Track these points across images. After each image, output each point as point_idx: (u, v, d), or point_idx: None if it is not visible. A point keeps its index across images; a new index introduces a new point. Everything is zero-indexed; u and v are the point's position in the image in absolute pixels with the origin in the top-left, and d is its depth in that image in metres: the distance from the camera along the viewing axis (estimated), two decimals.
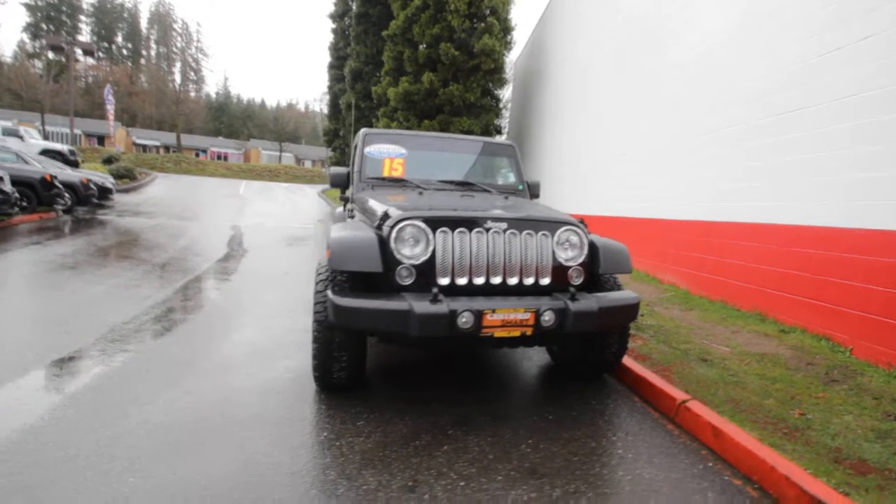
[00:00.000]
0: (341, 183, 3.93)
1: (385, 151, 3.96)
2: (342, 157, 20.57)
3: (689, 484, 2.16)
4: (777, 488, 2.07)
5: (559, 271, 2.81)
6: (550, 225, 2.85)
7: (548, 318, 2.56)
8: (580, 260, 2.86)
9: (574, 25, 11.30)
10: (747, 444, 2.29)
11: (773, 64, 4.75)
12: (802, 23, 4.43)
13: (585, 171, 9.65)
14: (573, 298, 2.65)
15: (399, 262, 2.58)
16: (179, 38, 50.76)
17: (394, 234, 2.60)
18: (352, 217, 3.67)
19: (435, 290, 2.47)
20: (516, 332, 2.55)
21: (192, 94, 52.88)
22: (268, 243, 9.58)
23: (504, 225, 2.74)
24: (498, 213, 2.83)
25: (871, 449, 2.41)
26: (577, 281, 2.86)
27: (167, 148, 48.16)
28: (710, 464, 2.34)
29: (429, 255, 2.60)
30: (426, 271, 2.60)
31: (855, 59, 3.85)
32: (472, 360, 3.62)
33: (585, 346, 3.20)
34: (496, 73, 14.42)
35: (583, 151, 9.93)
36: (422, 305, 2.37)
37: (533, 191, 4.33)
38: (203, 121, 58.20)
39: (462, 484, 2.03)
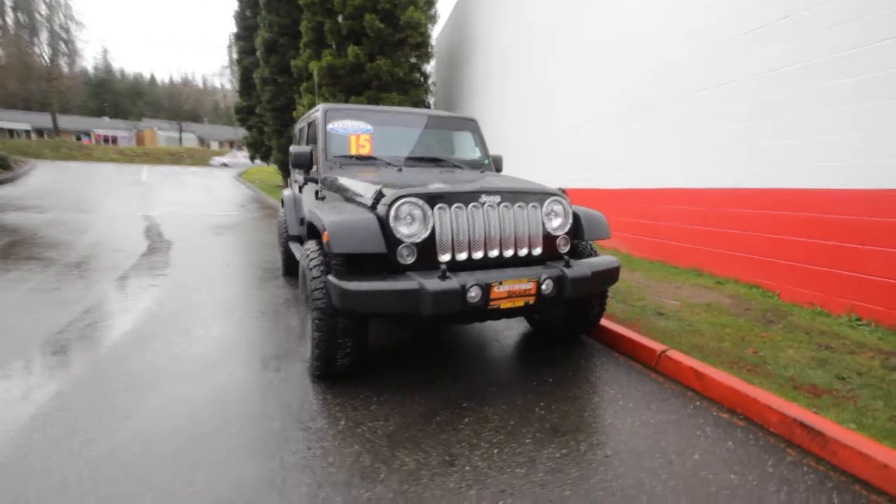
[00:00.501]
0: (304, 163, 3.69)
1: (350, 128, 3.78)
2: (259, 136, 19.17)
3: (688, 422, 2.41)
4: (761, 416, 2.38)
5: (549, 241, 2.92)
6: (539, 196, 2.93)
7: (547, 286, 2.66)
8: (566, 229, 2.99)
9: (502, 1, 11.37)
10: (728, 382, 2.59)
11: (701, 42, 5.18)
12: (726, 3, 4.86)
13: (524, 146, 9.92)
14: (567, 265, 2.77)
15: (399, 242, 2.52)
16: (43, 4, 43.39)
17: (392, 213, 2.52)
18: (322, 199, 3.48)
19: (443, 266, 2.46)
20: (520, 303, 2.62)
21: (66, 68, 45.81)
22: (192, 233, 8.78)
23: (498, 198, 2.77)
24: (491, 186, 2.85)
25: (817, 375, 2.84)
26: (565, 249, 2.99)
27: (40, 132, 41.73)
28: (698, 403, 2.62)
29: (429, 232, 2.57)
30: (426, 249, 2.57)
31: (775, 36, 4.32)
32: (454, 336, 3.67)
33: (569, 310, 3.37)
34: (423, 48, 14.17)
35: (521, 128, 10.17)
36: (433, 283, 2.35)
37: (497, 165, 4.39)
38: (82, 99, 50.98)
39: (496, 451, 2.08)
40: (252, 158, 21.43)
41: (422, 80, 14.64)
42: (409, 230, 2.54)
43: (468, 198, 2.70)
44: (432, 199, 2.60)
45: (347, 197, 3.03)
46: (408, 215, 2.55)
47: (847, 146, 3.73)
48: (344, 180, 3.23)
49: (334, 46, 13.68)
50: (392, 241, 2.50)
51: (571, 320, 3.40)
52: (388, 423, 2.31)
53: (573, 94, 7.78)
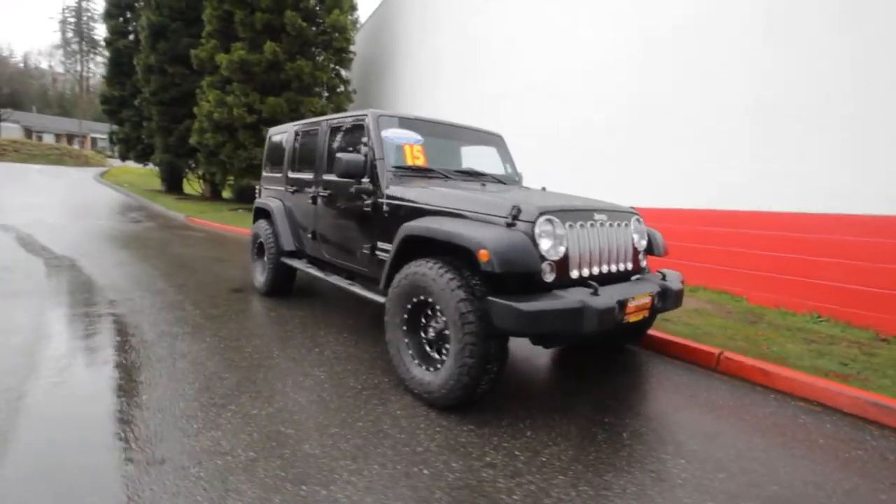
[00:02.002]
0: (357, 173, 3.36)
1: (402, 136, 3.55)
2: (135, 132, 16.37)
3: (784, 412, 2.78)
4: (833, 401, 2.86)
5: (636, 256, 3.12)
6: (627, 215, 3.12)
7: (657, 300, 2.85)
8: (644, 245, 3.23)
9: (432, 15, 11.56)
10: (792, 376, 3.06)
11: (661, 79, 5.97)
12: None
13: None
14: (664, 279, 3.01)
15: (543, 258, 2.48)
16: None
17: (537, 230, 2.48)
18: (387, 213, 3.22)
19: (593, 284, 2.49)
20: (640, 317, 2.76)
21: None
22: (90, 247, 7.23)
23: (605, 216, 2.89)
24: (597, 205, 2.96)
25: (827, 363, 3.47)
26: (643, 264, 3.23)
27: None
28: (773, 396, 3.03)
29: (564, 248, 2.57)
30: (562, 265, 2.58)
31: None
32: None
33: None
34: (345, 53, 13.71)
35: None
36: (595, 300, 2.37)
37: (520, 181, 4.50)
38: None
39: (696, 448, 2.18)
40: (123, 158, 18.21)
41: (342, 85, 14.14)
42: (551, 247, 2.52)
43: (586, 216, 2.77)
44: (564, 216, 2.62)
45: (448, 212, 2.83)
46: (550, 232, 2.53)
47: (799, 175, 4.66)
48: (437, 193, 3.00)
49: (246, 40, 12.49)
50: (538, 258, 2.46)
51: (626, 331, 3.64)
52: (564, 450, 2.24)
53: (516, 107, 8.15)
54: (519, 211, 2.52)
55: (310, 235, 4.29)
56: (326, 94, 13.85)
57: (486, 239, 2.33)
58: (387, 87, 13.86)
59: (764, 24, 4.95)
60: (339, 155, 3.37)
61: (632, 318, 2.67)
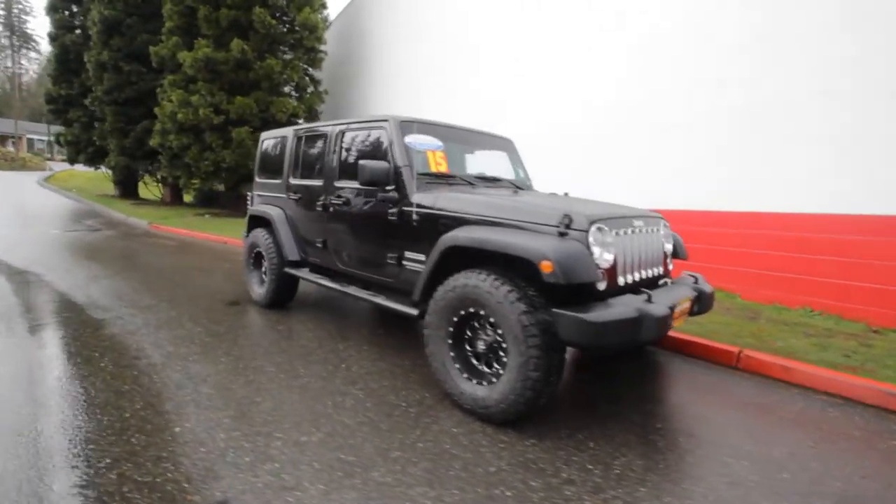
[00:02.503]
0: (382, 180, 3.24)
1: (425, 143, 3.46)
2: (84, 133, 15.19)
3: (812, 406, 2.91)
4: (853, 393, 3.01)
5: (665, 261, 3.18)
6: (657, 220, 3.17)
7: (695, 304, 2.91)
8: (671, 249, 3.29)
9: (406, 19, 11.43)
10: (812, 371, 3.20)
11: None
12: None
13: None
14: (697, 283, 3.08)
15: (597, 267, 2.47)
16: None
17: (590, 239, 2.46)
18: (417, 223, 3.12)
19: (648, 292, 2.51)
20: (682, 321, 2.81)
21: None
22: (50, 258, 6.67)
23: (642, 223, 2.92)
24: (633, 211, 2.98)
25: (832, 357, 3.66)
26: (671, 268, 3.30)
27: None
28: (796, 391, 3.16)
29: (613, 256, 2.58)
30: (612, 273, 2.58)
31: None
32: None
33: None
34: (316, 52, 13.35)
35: None
36: (652, 308, 2.38)
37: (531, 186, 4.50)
38: None
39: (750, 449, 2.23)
40: (72, 161, 16.90)
41: (313, 85, 13.76)
42: (602, 255, 2.51)
43: (628, 223, 2.79)
44: (611, 224, 2.63)
45: (491, 221, 2.76)
46: (601, 240, 2.52)
47: (793, 179, 4.91)
48: (476, 201, 2.92)
49: (211, 37, 11.93)
50: None
51: None
52: (626, 458, 2.24)
53: (502, 112, 8.24)
54: (570, 220, 2.49)
55: (319, 245, 4.11)
56: (296, 94, 13.44)
57: (547, 249, 2.29)
58: (354, 90, 13.56)
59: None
60: (362, 162, 3.23)
61: (675, 324, 2.71)
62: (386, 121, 3.48)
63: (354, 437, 2.33)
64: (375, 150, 3.52)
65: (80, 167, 16.59)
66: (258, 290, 4.80)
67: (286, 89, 12.85)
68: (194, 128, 11.64)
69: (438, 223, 3.01)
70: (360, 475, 2.02)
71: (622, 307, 2.36)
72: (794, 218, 4.87)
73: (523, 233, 2.56)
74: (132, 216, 12.65)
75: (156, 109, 12.04)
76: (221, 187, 13.78)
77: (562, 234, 2.47)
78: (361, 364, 3.30)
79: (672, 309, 2.56)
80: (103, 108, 13.55)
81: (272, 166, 4.86)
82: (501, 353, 2.49)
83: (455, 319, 2.65)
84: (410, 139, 3.40)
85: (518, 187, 3.93)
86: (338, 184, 3.87)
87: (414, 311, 3.10)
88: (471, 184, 3.53)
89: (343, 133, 3.90)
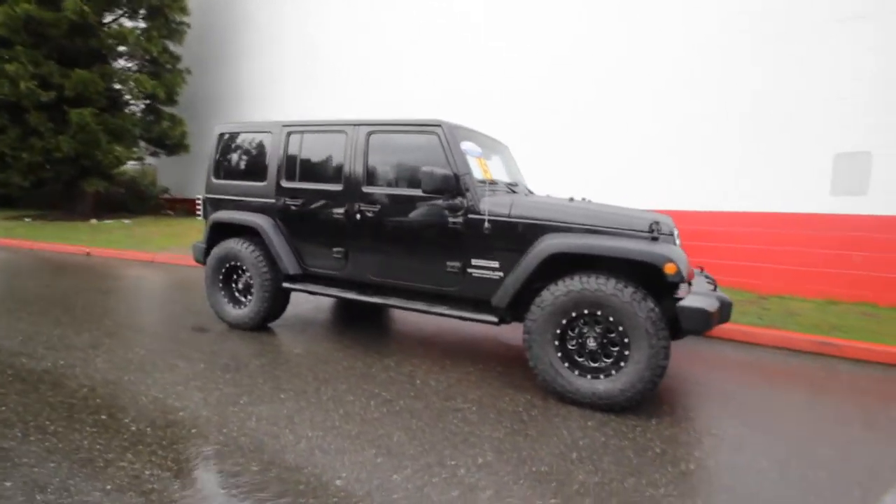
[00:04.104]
0: (448, 188, 3.18)
1: (475, 150, 3.46)
2: None
3: (860, 371, 3.76)
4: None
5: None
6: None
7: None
8: None
9: None
10: (857, 345, 4.08)
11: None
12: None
13: None
14: (715, 288, 3.77)
15: None
16: None
17: (677, 242, 2.90)
18: (488, 230, 3.16)
19: (714, 282, 3.05)
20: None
21: None
22: None
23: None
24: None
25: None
26: None
27: None
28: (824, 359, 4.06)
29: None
30: None
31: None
32: None
33: None
34: (177, 24, 11.37)
35: None
36: (726, 297, 2.94)
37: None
38: None
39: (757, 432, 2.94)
40: None
41: (172, 63, 11.72)
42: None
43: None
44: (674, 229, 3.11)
45: (581, 228, 2.96)
46: (678, 243, 2.98)
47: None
48: (562, 208, 3.08)
49: None
50: None
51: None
52: (694, 453, 2.75)
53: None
54: (659, 226, 2.89)
55: (338, 255, 3.76)
56: (153, 70, 11.28)
57: (668, 253, 2.64)
58: (229, 71, 11.95)
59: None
60: (426, 169, 3.14)
61: None
62: (439, 126, 3.38)
63: (519, 451, 2.36)
64: (426, 156, 3.39)
65: None
66: (234, 312, 4.14)
67: (144, 64, 10.71)
68: (13, 106, 8.92)
69: (517, 230, 3.11)
70: (563, 493, 2.10)
71: (712, 297, 2.85)
72: (782, 217, 6.09)
73: (625, 238, 2.86)
74: None
75: None
76: (27, 183, 10.64)
77: (654, 239, 2.84)
78: (438, 379, 3.21)
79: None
80: None
81: (245, 167, 4.20)
82: (613, 348, 2.78)
83: (563, 322, 2.83)
84: (466, 146, 3.38)
85: (530, 191, 4.20)
86: (367, 189, 3.60)
87: (493, 319, 3.16)
88: (512, 190, 3.68)
89: (370, 134, 3.63)
